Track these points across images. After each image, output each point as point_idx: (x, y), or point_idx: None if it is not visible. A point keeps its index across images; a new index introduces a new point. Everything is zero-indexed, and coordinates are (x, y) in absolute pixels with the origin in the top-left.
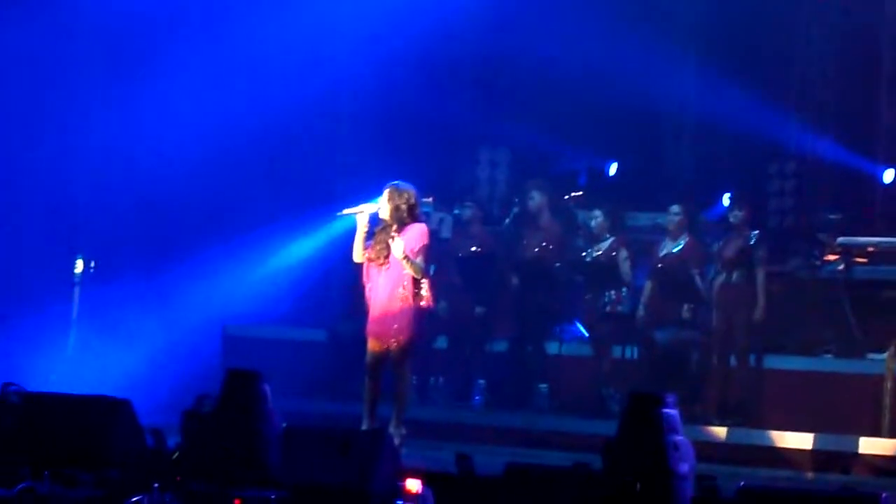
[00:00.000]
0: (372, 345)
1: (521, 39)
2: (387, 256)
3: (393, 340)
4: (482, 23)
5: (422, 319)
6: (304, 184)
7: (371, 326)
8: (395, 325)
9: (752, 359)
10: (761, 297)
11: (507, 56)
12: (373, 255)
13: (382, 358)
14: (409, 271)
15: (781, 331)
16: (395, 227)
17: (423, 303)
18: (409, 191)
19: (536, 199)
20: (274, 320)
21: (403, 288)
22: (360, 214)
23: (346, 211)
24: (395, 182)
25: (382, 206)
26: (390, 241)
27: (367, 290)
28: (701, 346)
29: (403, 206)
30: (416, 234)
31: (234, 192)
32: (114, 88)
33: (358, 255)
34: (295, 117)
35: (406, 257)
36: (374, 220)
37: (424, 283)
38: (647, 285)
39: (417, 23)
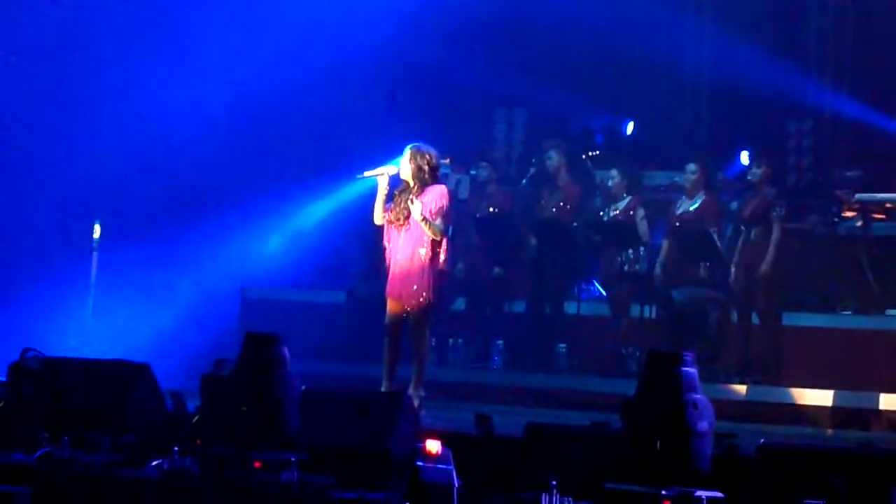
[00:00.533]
0: (392, 306)
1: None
2: (407, 217)
3: (414, 301)
4: None
5: (441, 281)
6: (320, 146)
7: (391, 287)
8: (415, 287)
9: (770, 316)
10: (772, 251)
11: (522, 16)
12: (392, 217)
13: (402, 319)
14: (428, 233)
15: (800, 288)
16: (416, 187)
17: (441, 266)
18: (431, 152)
19: (554, 158)
20: (292, 283)
21: (423, 249)
22: (381, 176)
23: (367, 173)
24: (417, 143)
25: (403, 166)
26: (410, 203)
27: (386, 251)
28: (719, 305)
29: (426, 167)
30: (436, 195)
31: (252, 155)
32: (128, 59)
33: (378, 217)
34: (311, 81)
35: (425, 219)
36: (395, 181)
37: (443, 246)
38: (664, 244)
39: None
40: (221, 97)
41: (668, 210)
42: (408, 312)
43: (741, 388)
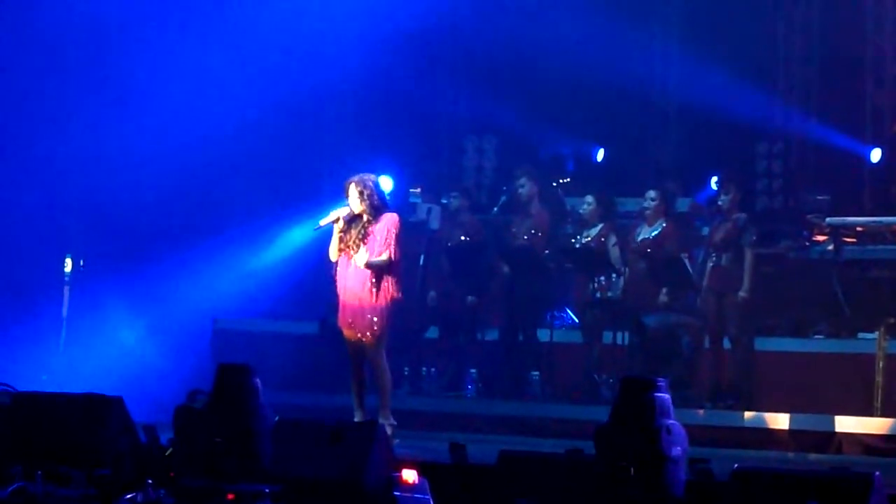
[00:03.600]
0: (347, 335)
1: (505, 26)
2: (358, 247)
3: (367, 331)
4: (466, 11)
5: (394, 308)
6: (290, 176)
7: (343, 317)
8: (368, 316)
9: (743, 341)
10: (747, 277)
11: (491, 44)
12: (343, 246)
13: (360, 348)
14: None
15: (772, 312)
16: (368, 218)
17: (393, 295)
18: (373, 178)
19: (527, 186)
20: (264, 313)
21: (374, 278)
22: (336, 222)
23: (321, 223)
24: (358, 175)
25: (353, 201)
26: (354, 245)
27: (336, 281)
28: (691, 330)
29: (374, 196)
30: (387, 223)
31: (222, 187)
32: (101, 87)
33: (335, 254)
34: (280, 111)
35: (368, 265)
36: (350, 219)
37: (393, 273)
38: (626, 271)
39: (402, 13)
40: (192, 130)
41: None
42: (363, 342)
43: (714, 414)
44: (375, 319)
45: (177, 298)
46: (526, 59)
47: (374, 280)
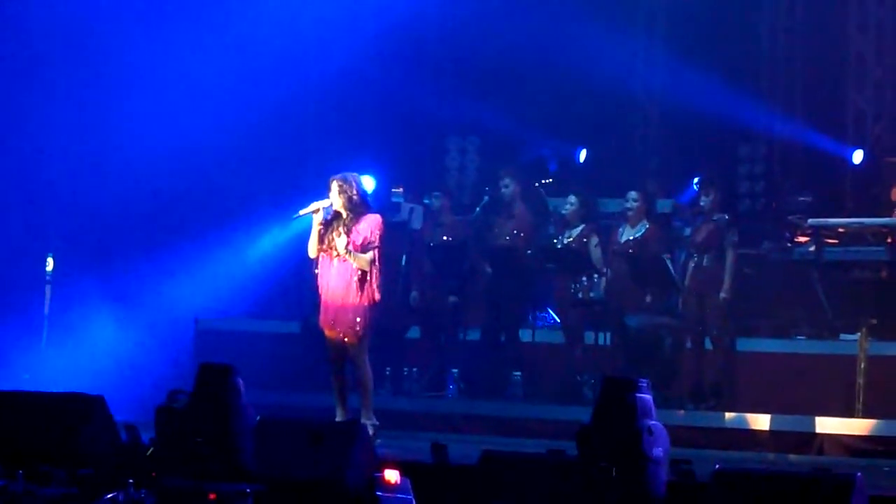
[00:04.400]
0: (328, 335)
1: (488, 27)
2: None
3: (350, 331)
4: (449, 11)
5: (374, 310)
6: (272, 177)
7: (325, 317)
8: (350, 317)
9: (724, 342)
10: (729, 278)
11: (474, 44)
12: (325, 247)
13: (342, 348)
14: (355, 265)
15: (754, 313)
16: (349, 217)
17: (374, 295)
18: (357, 179)
19: (510, 186)
20: (246, 313)
21: (356, 279)
22: (315, 213)
23: (301, 212)
24: (342, 174)
25: (334, 199)
26: (336, 236)
27: (319, 280)
28: (673, 331)
29: (356, 196)
30: (370, 224)
31: (204, 188)
32: (85, 86)
33: (313, 250)
34: (263, 111)
35: (349, 252)
36: (329, 212)
37: (374, 276)
38: (608, 272)
39: (385, 13)
40: (174, 130)
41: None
42: (345, 342)
43: (695, 414)
44: (358, 319)
45: (159, 298)
46: (509, 60)
47: (357, 280)
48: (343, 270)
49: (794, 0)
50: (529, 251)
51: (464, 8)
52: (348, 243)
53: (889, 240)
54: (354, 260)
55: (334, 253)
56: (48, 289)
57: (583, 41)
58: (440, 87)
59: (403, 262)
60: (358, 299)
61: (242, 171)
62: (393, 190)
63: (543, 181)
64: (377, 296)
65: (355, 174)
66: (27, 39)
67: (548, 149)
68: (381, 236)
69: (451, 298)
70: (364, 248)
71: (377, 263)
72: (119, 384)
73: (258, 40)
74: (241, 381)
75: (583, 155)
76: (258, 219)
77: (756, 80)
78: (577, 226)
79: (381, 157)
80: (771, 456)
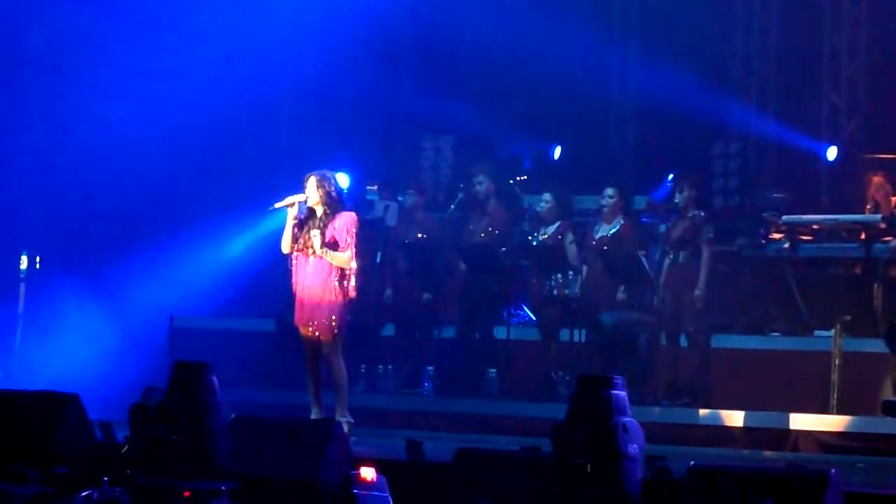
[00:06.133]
0: (304, 332)
1: (462, 24)
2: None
3: (326, 329)
4: (422, 9)
5: (350, 308)
6: (247, 175)
7: (300, 315)
8: (325, 315)
9: (699, 339)
10: (704, 275)
11: (448, 42)
12: (301, 245)
13: (317, 345)
14: (333, 263)
15: (728, 310)
16: (324, 214)
17: (349, 293)
18: (335, 176)
19: (484, 183)
20: (221, 311)
21: (332, 277)
22: (291, 206)
23: (277, 205)
24: (320, 170)
25: (311, 194)
26: (312, 235)
27: (293, 278)
28: (648, 328)
29: (333, 193)
30: (345, 221)
31: (179, 186)
32: (59, 84)
33: (286, 246)
34: (237, 110)
35: (326, 250)
36: (304, 210)
37: (350, 274)
38: (583, 269)
39: (360, 12)
40: (149, 129)
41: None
42: (320, 339)
43: (671, 411)
44: (333, 318)
45: (134, 296)
46: (484, 58)
47: (332, 277)
48: (319, 268)
49: None
50: (504, 248)
51: (438, 6)
52: (324, 242)
53: (863, 236)
54: (331, 258)
55: (310, 251)
56: (22, 287)
57: (557, 39)
58: (415, 84)
59: (378, 260)
60: (333, 297)
61: (217, 170)
62: (367, 187)
63: (518, 178)
64: (353, 293)
65: (334, 173)
66: (4, 36)
67: (522, 146)
68: (356, 234)
69: (426, 296)
70: (340, 246)
71: (353, 261)
72: (93, 382)
73: (233, 39)
74: (215, 379)
75: (557, 152)
76: (233, 217)
77: (730, 76)
78: (553, 223)
79: (355, 154)
80: (746, 452)
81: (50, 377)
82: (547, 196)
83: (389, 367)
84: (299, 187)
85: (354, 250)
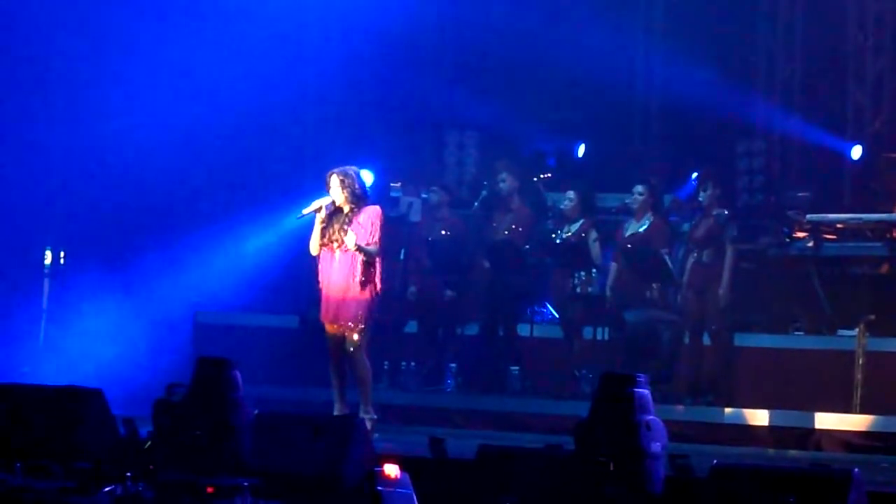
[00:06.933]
0: (329, 329)
1: (488, 22)
2: (342, 242)
3: (352, 325)
4: (449, 6)
5: (376, 303)
6: (272, 172)
7: (326, 312)
8: (352, 311)
9: (723, 337)
10: (727, 273)
11: (473, 39)
12: (326, 241)
13: (341, 341)
14: (363, 257)
15: (752, 309)
16: (350, 210)
17: (376, 288)
18: (353, 168)
19: (507, 181)
20: (245, 307)
21: (358, 273)
22: (318, 211)
23: (304, 211)
24: (340, 168)
25: (336, 193)
26: (342, 233)
27: (320, 275)
28: (672, 326)
29: (357, 188)
30: (371, 215)
31: (203, 181)
32: (81, 82)
33: (315, 248)
34: (260, 106)
35: (359, 247)
36: (329, 209)
37: (377, 268)
38: (613, 266)
39: (384, 7)
40: (174, 124)
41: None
42: (345, 336)
43: (694, 409)
44: (360, 313)
45: (158, 292)
46: (508, 54)
47: (360, 273)
48: (344, 264)
49: None
50: (527, 246)
51: (463, 2)
52: (356, 238)
53: (888, 235)
54: (362, 253)
55: (335, 246)
56: (46, 282)
57: (581, 36)
58: (439, 81)
59: (402, 257)
60: (360, 292)
61: (241, 166)
62: (391, 184)
63: (542, 176)
64: (379, 288)
65: (354, 167)
66: (28, 35)
67: (546, 144)
68: (382, 227)
69: (449, 293)
70: (366, 240)
71: (379, 255)
72: (117, 378)
73: (257, 36)
74: (238, 375)
75: (581, 150)
76: (257, 213)
77: (755, 74)
78: (577, 220)
79: (379, 151)
80: (769, 451)
81: (73, 372)
82: (570, 194)
83: (412, 363)
84: (324, 184)
85: (379, 243)
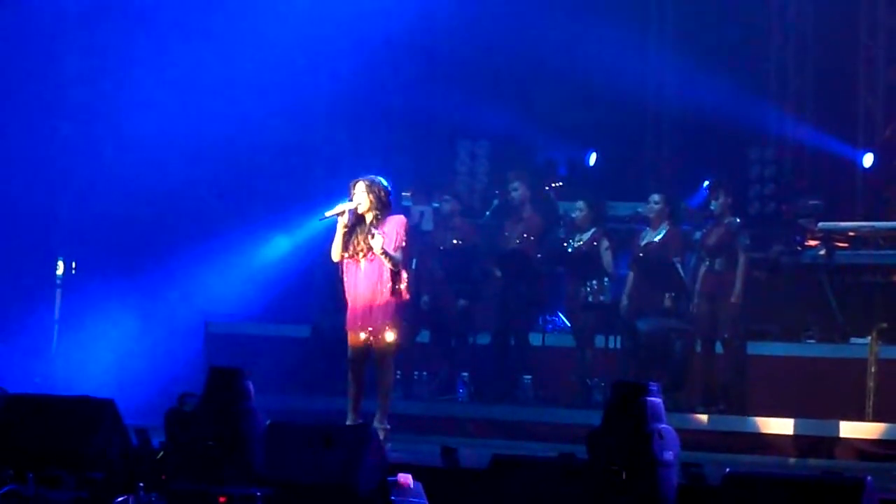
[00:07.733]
0: (354, 339)
1: (499, 31)
2: (367, 251)
3: (380, 335)
4: (460, 15)
5: (403, 313)
6: (283, 181)
7: (352, 321)
8: (380, 320)
9: (735, 345)
10: (739, 281)
11: (485, 48)
12: (351, 251)
13: (365, 353)
14: (388, 265)
15: (764, 317)
16: (374, 219)
17: (403, 296)
18: (383, 181)
19: (519, 190)
20: (257, 317)
21: (386, 280)
22: (341, 215)
23: (327, 214)
24: (368, 176)
25: (361, 200)
26: (370, 237)
27: (345, 285)
28: (684, 335)
29: (384, 197)
30: (396, 224)
31: (214, 191)
32: (92, 89)
33: (337, 254)
34: (273, 115)
35: (385, 252)
36: (352, 216)
37: (404, 276)
38: (630, 275)
39: (395, 17)
40: (183, 135)
41: (631, 241)
42: (371, 345)
43: (706, 418)
44: (390, 314)
45: (170, 301)
46: (519, 64)
47: (388, 282)
48: (371, 272)
49: (803, 3)
50: (539, 255)
51: (474, 11)
52: (383, 242)
53: None
54: (388, 260)
55: (360, 256)
56: (58, 293)
57: (593, 45)
58: (450, 90)
59: (413, 266)
60: (389, 297)
61: (253, 175)
62: (403, 193)
63: (553, 185)
64: (406, 295)
65: (381, 177)
66: (41, 50)
67: (558, 152)
68: (406, 236)
69: (461, 302)
70: (393, 249)
71: (404, 264)
72: (129, 388)
73: (268, 44)
74: (250, 385)
75: (593, 159)
76: (268, 222)
77: (766, 83)
78: (588, 229)
79: (391, 160)
80: (781, 459)
81: (85, 382)
82: (581, 203)
83: (424, 373)
84: (334, 193)
85: (405, 252)
